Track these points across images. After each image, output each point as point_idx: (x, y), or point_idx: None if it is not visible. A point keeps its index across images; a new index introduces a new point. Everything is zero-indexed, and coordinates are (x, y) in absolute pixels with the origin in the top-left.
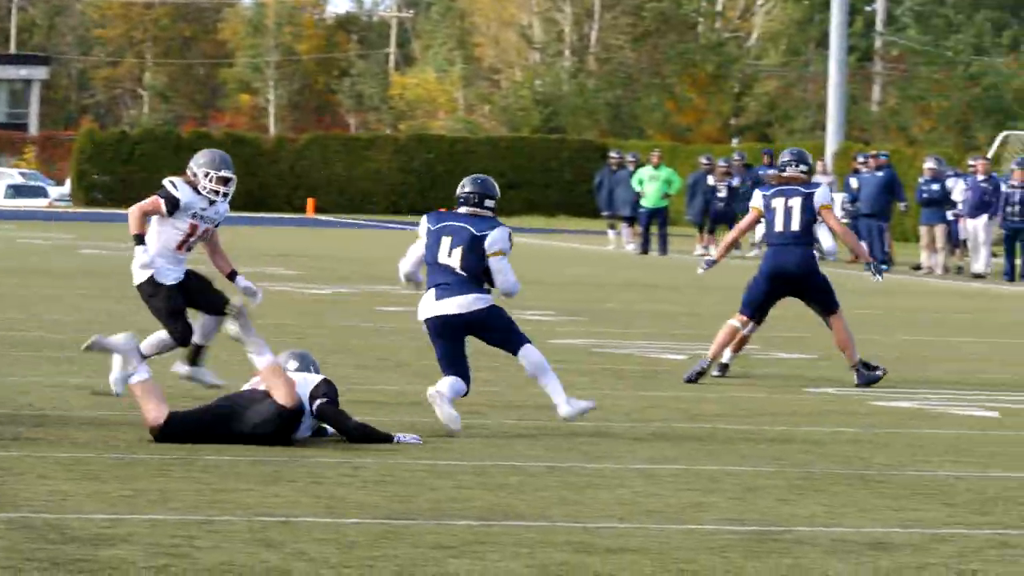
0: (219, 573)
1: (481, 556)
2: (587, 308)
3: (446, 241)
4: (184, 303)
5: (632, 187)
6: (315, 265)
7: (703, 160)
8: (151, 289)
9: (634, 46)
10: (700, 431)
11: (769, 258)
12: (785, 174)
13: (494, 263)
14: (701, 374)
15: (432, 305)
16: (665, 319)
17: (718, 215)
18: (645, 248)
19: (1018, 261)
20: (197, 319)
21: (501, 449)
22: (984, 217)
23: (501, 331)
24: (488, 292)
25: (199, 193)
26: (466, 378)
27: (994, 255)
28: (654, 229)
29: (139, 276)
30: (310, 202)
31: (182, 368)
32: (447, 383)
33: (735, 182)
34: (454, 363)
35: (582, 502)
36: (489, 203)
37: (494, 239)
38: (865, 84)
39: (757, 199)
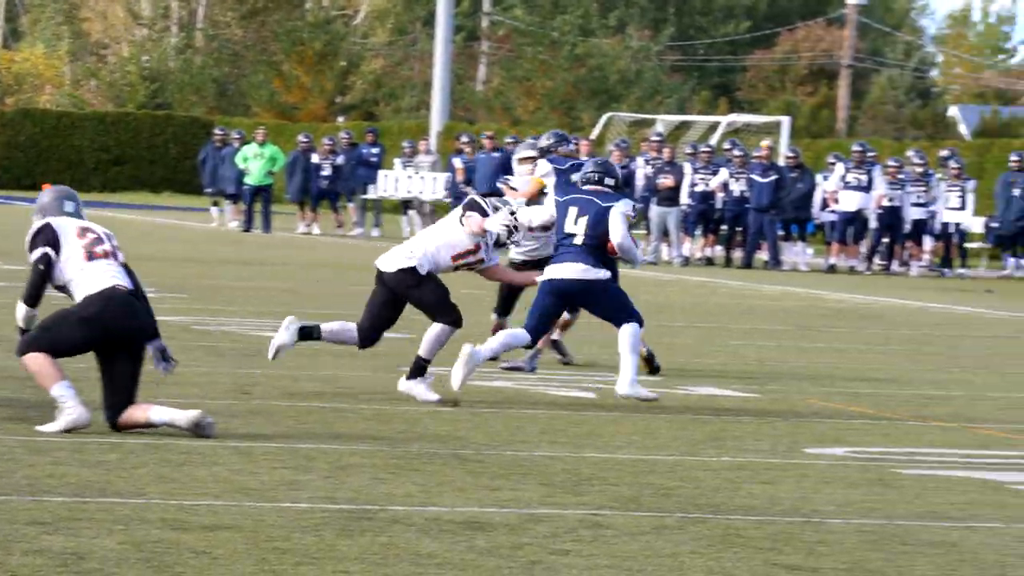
0: None
1: (76, 532)
2: (189, 285)
3: (573, 211)
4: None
5: (236, 164)
6: None
7: (302, 139)
8: (412, 280)
9: (242, 23)
10: (296, 409)
11: None
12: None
13: (613, 217)
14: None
15: (549, 269)
16: (267, 296)
17: (321, 193)
18: (248, 226)
19: None
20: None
21: (103, 425)
22: None
23: (607, 306)
24: (605, 267)
25: None
26: (536, 336)
27: None
28: (258, 207)
29: (398, 263)
30: None
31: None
32: (497, 341)
33: (339, 160)
34: (542, 320)
35: (178, 479)
36: (609, 182)
37: (618, 205)
38: (471, 64)
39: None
